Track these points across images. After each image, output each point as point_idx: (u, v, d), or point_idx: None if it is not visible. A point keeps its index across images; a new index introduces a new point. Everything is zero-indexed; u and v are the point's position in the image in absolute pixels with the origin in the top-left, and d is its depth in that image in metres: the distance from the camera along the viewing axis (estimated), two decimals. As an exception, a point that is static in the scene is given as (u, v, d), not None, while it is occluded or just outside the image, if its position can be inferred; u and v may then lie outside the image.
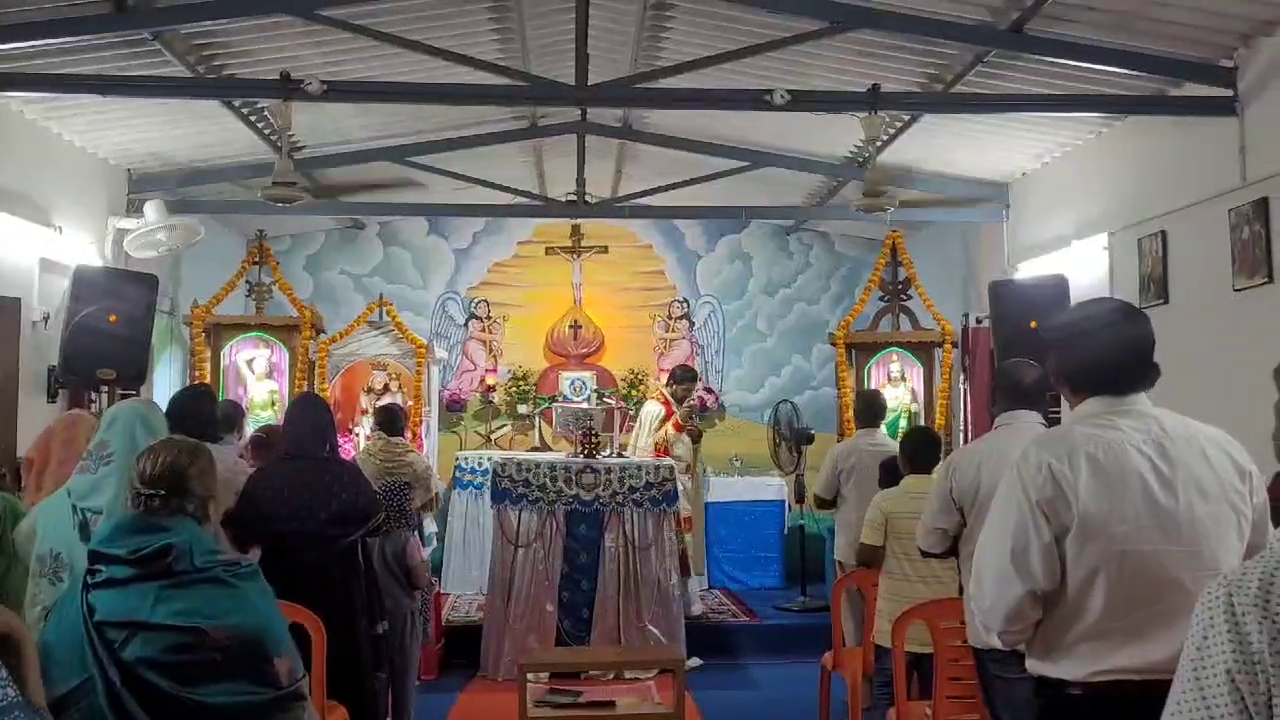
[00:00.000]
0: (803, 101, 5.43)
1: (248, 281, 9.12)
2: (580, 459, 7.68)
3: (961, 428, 8.80)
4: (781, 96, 5.26)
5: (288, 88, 5.30)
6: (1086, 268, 7.17)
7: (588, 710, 3.78)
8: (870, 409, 6.75)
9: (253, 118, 7.25)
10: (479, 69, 5.86)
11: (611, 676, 6.68)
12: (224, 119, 7.17)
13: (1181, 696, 1.43)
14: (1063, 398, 2.59)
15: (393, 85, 5.75)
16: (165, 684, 2.40)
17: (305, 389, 8.43)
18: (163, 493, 2.63)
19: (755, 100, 5.40)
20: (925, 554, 4.14)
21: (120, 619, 2.44)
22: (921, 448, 5.41)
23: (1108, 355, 2.46)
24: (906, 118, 7.06)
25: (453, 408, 10.77)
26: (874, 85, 5.53)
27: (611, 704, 3.90)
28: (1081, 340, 2.52)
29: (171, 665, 2.42)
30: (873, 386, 8.99)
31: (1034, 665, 2.43)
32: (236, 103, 6.92)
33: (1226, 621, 1.39)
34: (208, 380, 8.57)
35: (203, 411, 5.05)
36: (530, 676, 7.07)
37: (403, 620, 5.74)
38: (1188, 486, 2.33)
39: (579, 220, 10.44)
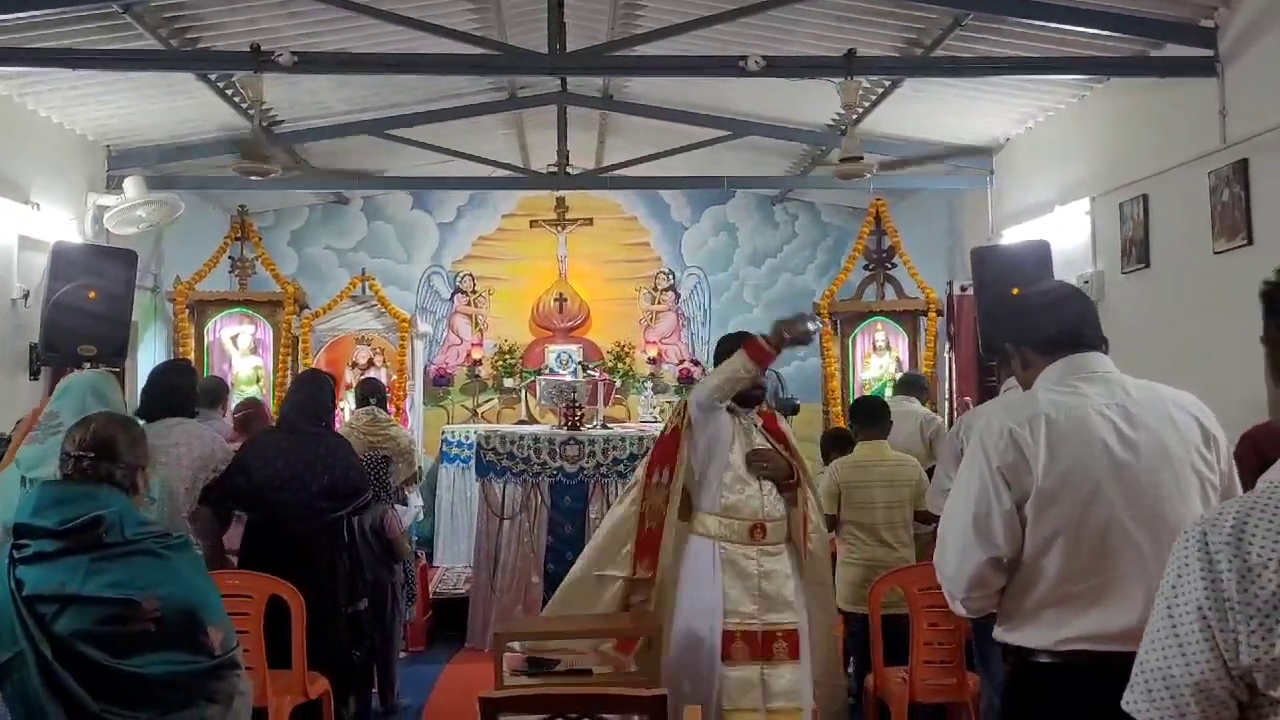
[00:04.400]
0: (778, 68, 5.38)
1: (230, 257, 9.07)
2: (564, 431, 7.68)
3: (946, 396, 8.80)
4: (756, 63, 5.22)
5: (258, 59, 5.25)
6: (1069, 233, 7.14)
7: (564, 678, 3.78)
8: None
9: (228, 91, 7.18)
10: (453, 39, 5.80)
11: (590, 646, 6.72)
12: (200, 93, 7.10)
13: (1155, 632, 1.45)
14: (1015, 366, 2.60)
15: (364, 56, 5.69)
16: (99, 656, 2.39)
17: (299, 366, 8.43)
18: (93, 455, 2.60)
19: (730, 67, 5.35)
20: (936, 518, 4.19)
21: (51, 592, 2.41)
22: (870, 415, 5.44)
23: (1065, 313, 2.50)
24: (887, 84, 7.02)
25: (439, 382, 10.76)
26: (850, 50, 5.48)
27: (588, 671, 3.90)
28: (1040, 304, 2.58)
29: (105, 637, 2.40)
30: (857, 355, 8.99)
31: (999, 633, 2.43)
32: (212, 76, 6.85)
33: (1200, 560, 1.41)
34: (191, 356, 8.55)
35: (180, 386, 5.03)
36: (515, 645, 7.15)
37: (384, 594, 5.76)
38: (1150, 451, 2.31)
39: (562, 192, 10.41)
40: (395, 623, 6.02)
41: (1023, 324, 2.58)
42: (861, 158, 5.73)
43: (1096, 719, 2.18)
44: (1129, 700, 1.47)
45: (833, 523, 5.08)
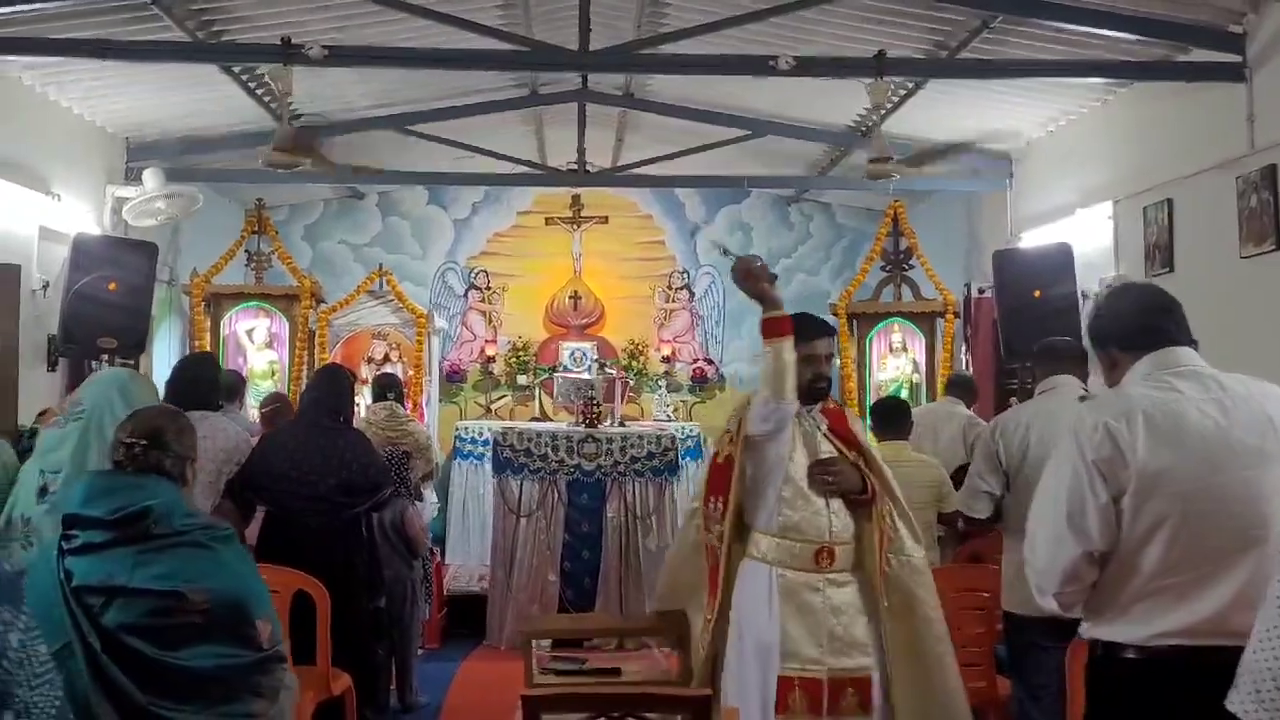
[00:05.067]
0: (808, 67, 5.37)
1: (247, 251, 9.07)
2: (582, 429, 7.67)
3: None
4: (786, 62, 5.21)
5: (288, 52, 5.24)
6: (1091, 236, 7.13)
7: (593, 677, 3.76)
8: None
9: (251, 84, 7.18)
10: (481, 34, 5.80)
11: (614, 645, 6.71)
12: (222, 86, 7.10)
13: (1266, 633, 1.43)
14: (1103, 368, 2.60)
15: (394, 50, 5.69)
16: (147, 648, 2.38)
17: (315, 360, 8.44)
18: (144, 443, 2.59)
19: (760, 66, 5.35)
20: (969, 520, 4.18)
21: (98, 583, 2.40)
22: (891, 415, 5.43)
23: (1151, 311, 2.51)
24: (910, 85, 7.01)
25: (452, 378, 10.75)
26: (880, 51, 5.48)
27: (617, 670, 3.89)
28: (1127, 300, 2.59)
29: (152, 629, 2.39)
30: (874, 356, 8.97)
31: (1087, 628, 2.43)
32: (236, 69, 6.85)
33: None
34: (207, 350, 8.55)
35: (205, 378, 5.03)
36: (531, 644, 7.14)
37: (403, 591, 5.75)
38: (1246, 445, 2.31)
39: (579, 190, 10.40)
40: (414, 620, 6.01)
41: (1108, 324, 2.58)
42: (891, 158, 5.71)
43: (1184, 714, 2.21)
44: (1234, 701, 1.46)
45: None
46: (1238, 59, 5.58)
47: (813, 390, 3.35)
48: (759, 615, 3.27)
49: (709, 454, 9.47)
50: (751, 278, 3.21)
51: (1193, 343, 2.52)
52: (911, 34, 6.24)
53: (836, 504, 3.33)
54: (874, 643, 3.30)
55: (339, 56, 5.34)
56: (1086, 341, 2.69)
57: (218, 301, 8.82)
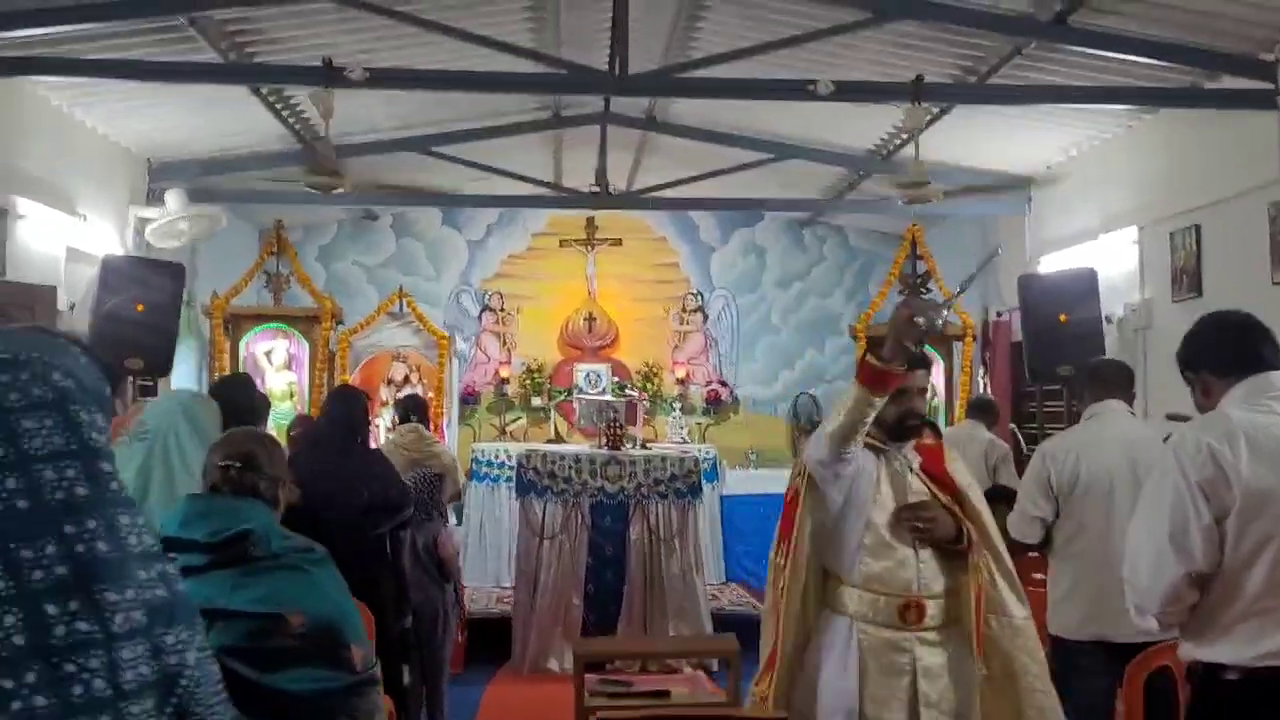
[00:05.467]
0: (846, 92, 5.41)
1: (265, 272, 9.07)
2: (605, 451, 7.66)
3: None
4: (826, 87, 5.24)
5: (330, 74, 5.25)
6: (1114, 261, 7.18)
7: (644, 700, 3.75)
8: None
9: (278, 105, 7.20)
10: (517, 55, 5.82)
11: (637, 668, 6.67)
12: (249, 107, 7.12)
13: None
14: (1195, 392, 2.62)
15: (436, 73, 5.71)
16: (248, 671, 2.36)
17: (334, 381, 8.42)
18: (239, 465, 2.59)
19: (799, 90, 5.38)
20: (1016, 544, 4.15)
21: (200, 606, 2.39)
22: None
23: (1247, 338, 2.54)
24: (936, 110, 7.05)
25: (467, 400, 10.74)
26: (918, 76, 5.52)
27: (666, 693, 3.88)
28: (1222, 326, 2.59)
29: (252, 652, 2.38)
30: (892, 379, 8.97)
31: (1188, 650, 2.44)
32: (264, 90, 6.87)
33: None
34: (226, 371, 8.53)
35: (243, 401, 5.00)
36: (554, 667, 7.12)
37: (433, 614, 5.71)
38: None
39: (595, 212, 10.43)
40: (445, 644, 5.97)
41: (1202, 349, 2.60)
42: (928, 182, 5.75)
43: None
44: None
45: None
46: (1269, 86, 5.63)
47: (902, 428, 2.96)
48: (837, 674, 2.91)
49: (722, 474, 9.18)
50: (912, 329, 2.63)
51: None
52: (943, 59, 6.29)
53: (926, 554, 2.93)
54: (969, 714, 2.89)
55: (380, 79, 5.35)
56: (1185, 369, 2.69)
57: (237, 323, 8.81)
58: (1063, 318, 6.96)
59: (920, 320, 2.64)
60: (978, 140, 7.75)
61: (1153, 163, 6.87)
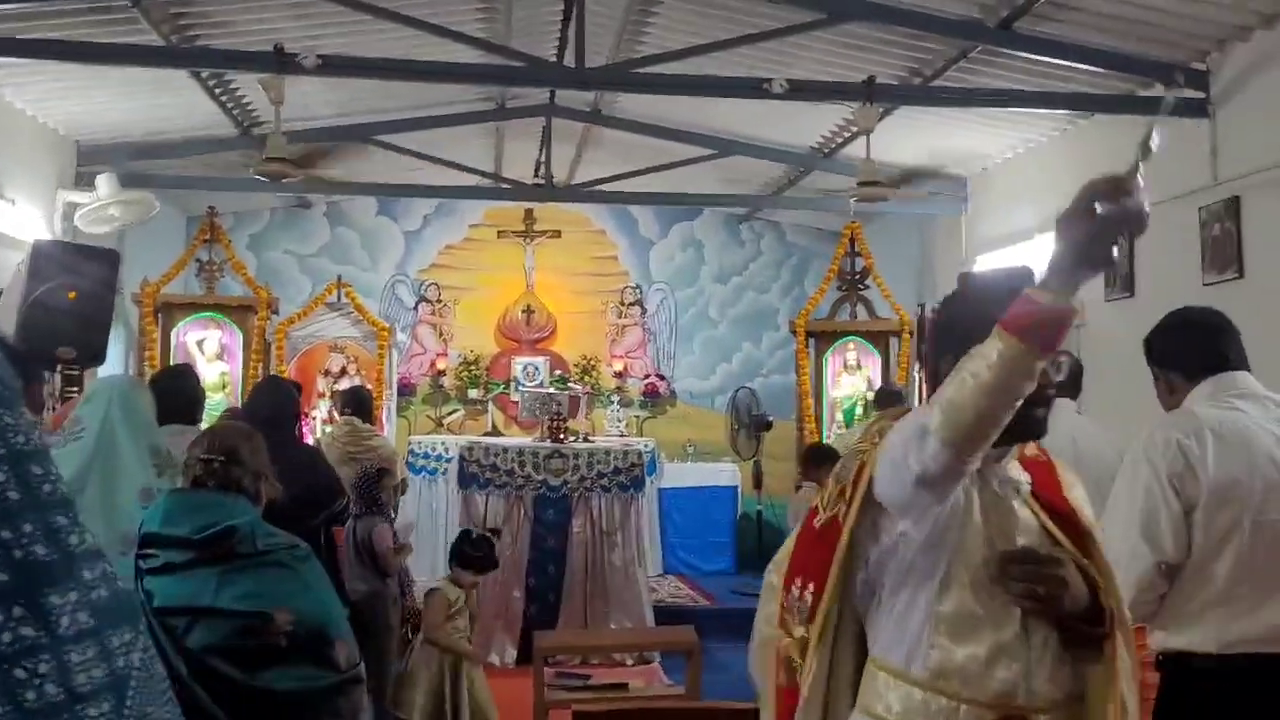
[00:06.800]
0: (800, 91, 5.47)
1: (197, 260, 8.84)
2: (548, 444, 7.65)
3: (917, 415, 8.99)
4: (780, 86, 5.30)
5: (281, 60, 5.14)
6: (1048, 260, 7.36)
7: (603, 693, 3.78)
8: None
9: (217, 90, 7.03)
10: (469, 45, 5.77)
11: (578, 661, 6.68)
12: (187, 92, 6.94)
13: None
14: (1161, 389, 2.70)
15: (392, 62, 5.61)
16: (233, 671, 2.33)
17: (265, 371, 8.24)
18: (223, 459, 2.55)
19: (754, 89, 5.43)
20: None
21: (182, 605, 2.35)
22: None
23: (1214, 334, 2.64)
24: (879, 110, 7.16)
25: (402, 392, 10.61)
26: (870, 77, 5.61)
27: (624, 686, 3.90)
28: (1188, 325, 2.67)
29: (237, 651, 2.35)
30: (830, 374, 9.13)
31: (1159, 639, 2.53)
32: (204, 74, 6.70)
33: None
34: (156, 362, 8.31)
35: (183, 391, 4.89)
36: (496, 661, 7.09)
37: (372, 607, 5.64)
38: None
39: (534, 204, 10.38)
40: (387, 638, 5.91)
41: (1171, 353, 2.69)
42: (880, 181, 5.84)
43: None
44: None
45: None
46: (1202, 95, 5.85)
47: (1026, 420, 1.72)
48: None
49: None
50: (1121, 213, 1.63)
51: (1248, 366, 2.66)
52: (890, 61, 6.39)
53: (1042, 638, 1.80)
54: None
55: (332, 66, 5.26)
56: (1154, 366, 2.77)
57: (168, 311, 8.58)
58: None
59: (1132, 195, 1.61)
60: (918, 141, 7.88)
61: (1089, 166, 6.92)
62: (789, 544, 2.07)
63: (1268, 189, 5.44)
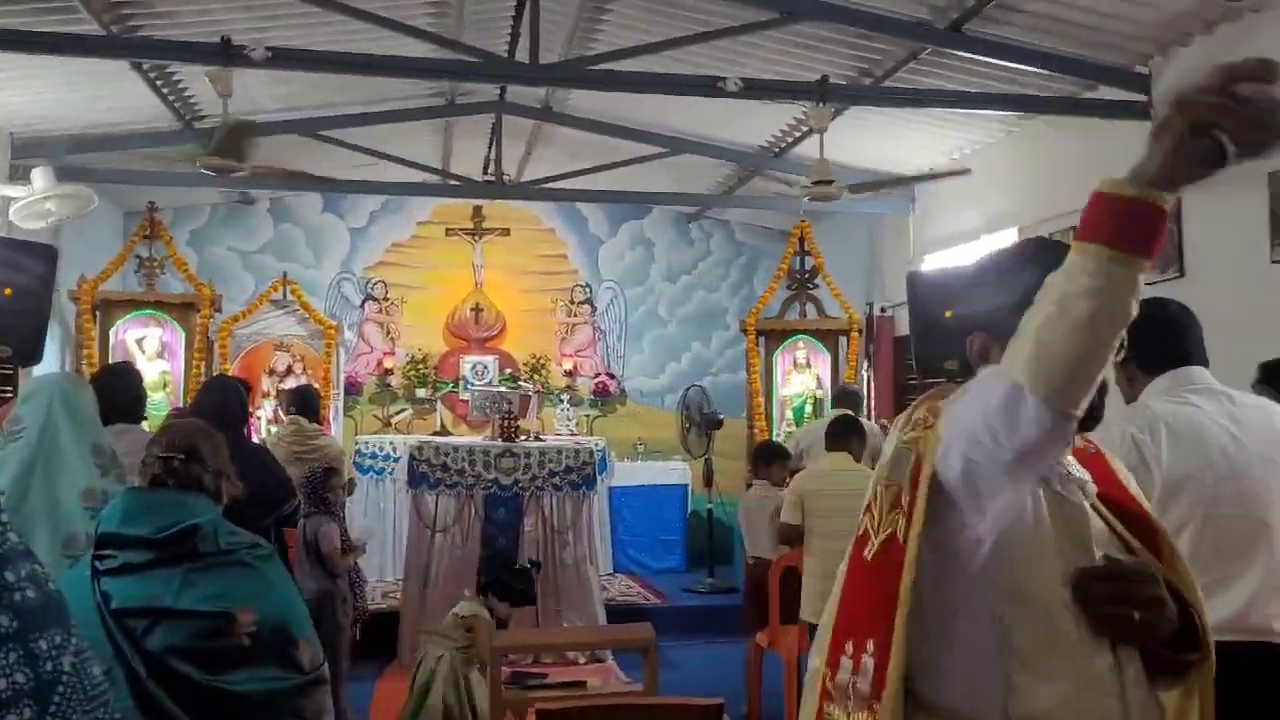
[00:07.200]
0: (754, 90, 5.49)
1: (137, 256, 8.65)
2: (499, 443, 7.60)
3: (866, 414, 9.07)
4: (735, 84, 5.31)
5: (230, 53, 5.04)
6: (994, 260, 7.48)
7: (561, 690, 3.76)
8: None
9: (159, 82, 6.88)
10: (420, 39, 5.71)
11: (531, 660, 6.65)
12: (127, 84, 6.78)
13: None
14: (1121, 382, 2.74)
15: (343, 55, 5.53)
16: (194, 673, 2.27)
17: (212, 371, 8.10)
18: (182, 456, 2.49)
19: (708, 87, 5.44)
20: None
21: (141, 606, 2.28)
22: (842, 428, 5.60)
23: (1172, 329, 2.66)
24: (833, 109, 7.22)
25: (349, 391, 10.47)
26: (823, 76, 5.65)
27: (582, 684, 3.89)
28: (1147, 320, 2.71)
29: (200, 652, 2.29)
30: (780, 373, 9.18)
31: None
32: (145, 66, 6.55)
33: None
34: (95, 360, 8.12)
35: (126, 390, 4.79)
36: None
37: (321, 607, 5.56)
38: (1259, 457, 2.52)
39: (483, 202, 10.30)
40: (337, 637, 5.84)
41: (1131, 342, 2.72)
42: (833, 181, 5.89)
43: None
44: None
45: (795, 533, 5.14)
46: (1143, 98, 5.97)
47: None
48: None
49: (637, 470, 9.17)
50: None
51: (1205, 361, 2.71)
52: (841, 61, 6.44)
53: (1136, 670, 1.52)
54: None
55: (282, 59, 5.16)
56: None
57: (106, 309, 8.39)
58: (949, 313, 7.20)
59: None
60: (865, 140, 7.95)
61: (1034, 167, 7.19)
62: (831, 605, 1.58)
63: (1206, 191, 5.54)
